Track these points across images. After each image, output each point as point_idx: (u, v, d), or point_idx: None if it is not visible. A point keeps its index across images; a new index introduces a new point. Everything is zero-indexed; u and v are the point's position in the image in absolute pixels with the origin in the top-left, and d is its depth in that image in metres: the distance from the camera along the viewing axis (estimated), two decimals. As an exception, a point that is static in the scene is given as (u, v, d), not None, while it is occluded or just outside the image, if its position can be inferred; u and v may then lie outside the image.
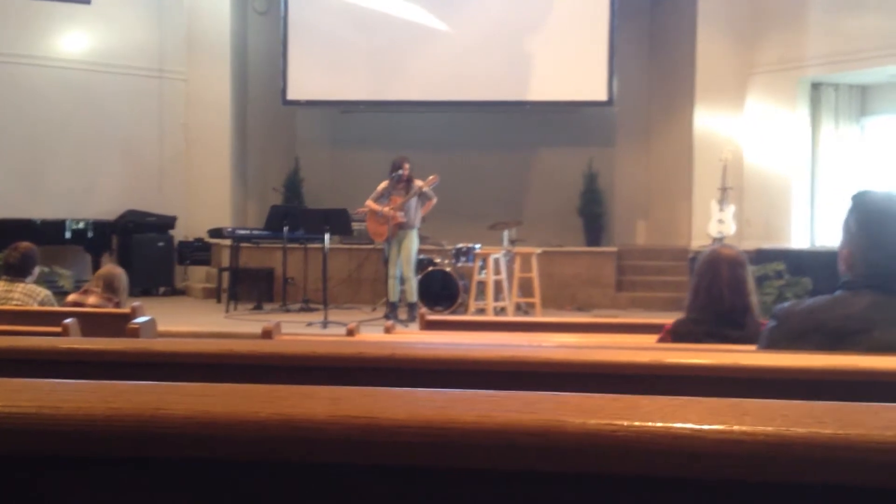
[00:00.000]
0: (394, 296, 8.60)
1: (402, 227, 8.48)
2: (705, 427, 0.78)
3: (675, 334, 2.82)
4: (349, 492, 0.86)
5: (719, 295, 2.75)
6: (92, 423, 0.83)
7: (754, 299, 2.78)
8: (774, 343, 2.19)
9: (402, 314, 8.64)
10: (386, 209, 8.47)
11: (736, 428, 0.77)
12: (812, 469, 0.76)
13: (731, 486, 0.78)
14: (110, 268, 5.29)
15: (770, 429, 0.77)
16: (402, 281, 8.63)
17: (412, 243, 8.56)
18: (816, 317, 2.15)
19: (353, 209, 9.13)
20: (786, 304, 2.31)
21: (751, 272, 2.87)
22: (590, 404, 0.83)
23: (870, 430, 0.76)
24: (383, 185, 8.59)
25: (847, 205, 2.22)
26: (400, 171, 8.50)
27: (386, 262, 9.12)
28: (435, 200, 8.62)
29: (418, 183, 8.46)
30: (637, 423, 0.79)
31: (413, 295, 8.57)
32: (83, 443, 0.84)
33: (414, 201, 8.53)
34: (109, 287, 4.93)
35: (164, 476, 0.87)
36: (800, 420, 0.78)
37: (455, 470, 0.82)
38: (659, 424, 0.79)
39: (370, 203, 8.65)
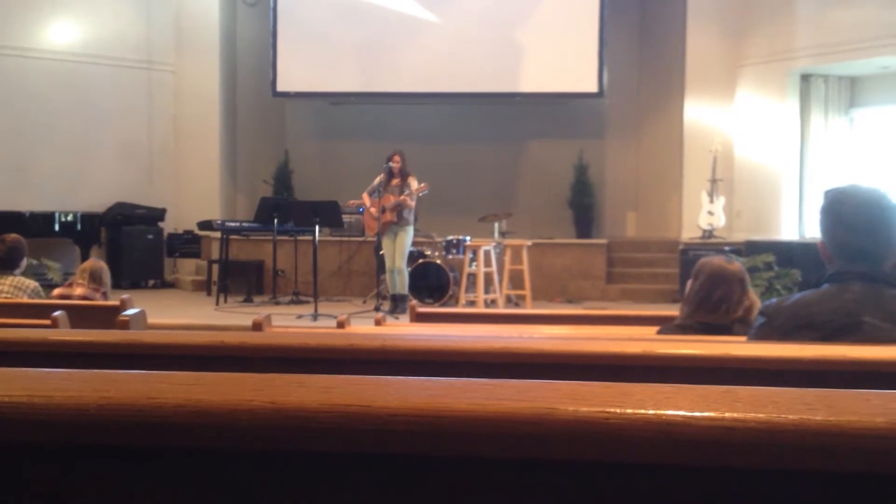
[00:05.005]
0: (393, 288, 8.58)
1: (395, 224, 8.45)
2: (697, 414, 0.78)
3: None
4: (342, 480, 0.86)
5: (727, 311, 2.78)
6: (84, 412, 0.83)
7: (754, 315, 2.79)
8: (764, 340, 2.19)
9: (386, 305, 8.64)
10: (373, 209, 8.46)
11: (727, 415, 0.78)
12: (803, 455, 0.76)
13: (723, 473, 0.79)
14: (94, 261, 5.28)
15: (761, 415, 0.77)
16: (395, 273, 8.60)
17: (406, 238, 8.53)
18: (805, 312, 2.15)
19: (344, 201, 9.11)
20: (773, 301, 2.31)
21: (750, 286, 2.91)
22: (583, 392, 0.83)
23: (860, 416, 0.76)
24: (379, 178, 8.57)
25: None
26: (389, 164, 8.47)
27: (377, 254, 9.11)
28: (412, 203, 8.50)
29: (413, 185, 8.41)
30: (629, 411, 0.79)
31: (404, 287, 8.56)
32: (75, 432, 0.83)
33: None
34: (96, 279, 4.92)
35: (155, 465, 0.87)
36: (791, 407, 0.78)
37: (448, 458, 0.82)
38: (651, 412, 0.79)
39: (364, 196, 8.64)
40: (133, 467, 0.87)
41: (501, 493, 0.84)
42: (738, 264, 2.92)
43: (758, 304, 2.87)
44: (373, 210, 8.49)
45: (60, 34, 11.40)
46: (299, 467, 0.86)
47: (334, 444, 0.82)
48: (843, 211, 2.17)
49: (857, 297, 2.10)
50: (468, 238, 9.16)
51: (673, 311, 3.09)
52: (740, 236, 10.47)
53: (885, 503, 0.78)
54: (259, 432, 0.82)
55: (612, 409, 0.79)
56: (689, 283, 2.94)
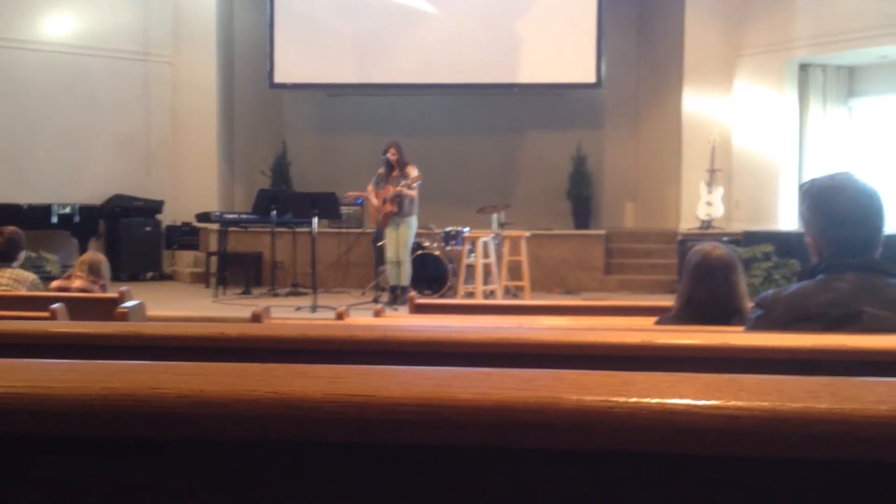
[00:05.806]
0: (394, 280, 8.59)
1: (396, 215, 8.43)
2: (701, 402, 0.78)
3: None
4: (345, 470, 0.85)
5: (715, 302, 2.76)
6: (86, 403, 0.82)
7: (747, 303, 2.77)
8: (762, 332, 2.19)
9: (384, 297, 8.64)
10: (375, 201, 8.46)
11: (731, 403, 0.77)
12: (807, 443, 0.76)
13: (728, 462, 0.79)
14: (92, 253, 5.27)
15: (765, 404, 0.77)
16: (397, 264, 8.61)
17: (409, 229, 8.52)
18: (802, 304, 2.15)
19: (342, 193, 9.09)
20: (770, 292, 2.30)
21: (741, 272, 2.86)
22: (586, 381, 0.83)
23: (864, 404, 0.76)
24: (381, 169, 8.56)
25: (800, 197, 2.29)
26: (386, 156, 8.46)
27: (375, 245, 9.10)
28: (412, 193, 8.47)
29: (412, 174, 8.39)
30: (633, 400, 0.79)
31: (406, 279, 8.55)
32: (77, 422, 0.83)
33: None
34: (95, 271, 4.91)
35: (158, 455, 0.87)
36: (795, 395, 0.78)
37: (452, 448, 0.82)
38: (655, 401, 0.79)
39: (369, 188, 8.63)
40: (136, 458, 0.86)
41: (505, 482, 0.84)
42: (723, 251, 2.85)
43: (745, 289, 2.86)
44: (374, 201, 8.48)
45: (57, 26, 11.36)
46: (303, 458, 0.86)
47: (338, 435, 0.82)
48: (837, 205, 2.16)
49: (852, 287, 2.10)
50: (467, 229, 9.16)
51: (671, 301, 3.08)
52: (739, 226, 10.47)
53: (890, 491, 0.78)
54: (263, 423, 0.82)
55: (615, 399, 0.79)
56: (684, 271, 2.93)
